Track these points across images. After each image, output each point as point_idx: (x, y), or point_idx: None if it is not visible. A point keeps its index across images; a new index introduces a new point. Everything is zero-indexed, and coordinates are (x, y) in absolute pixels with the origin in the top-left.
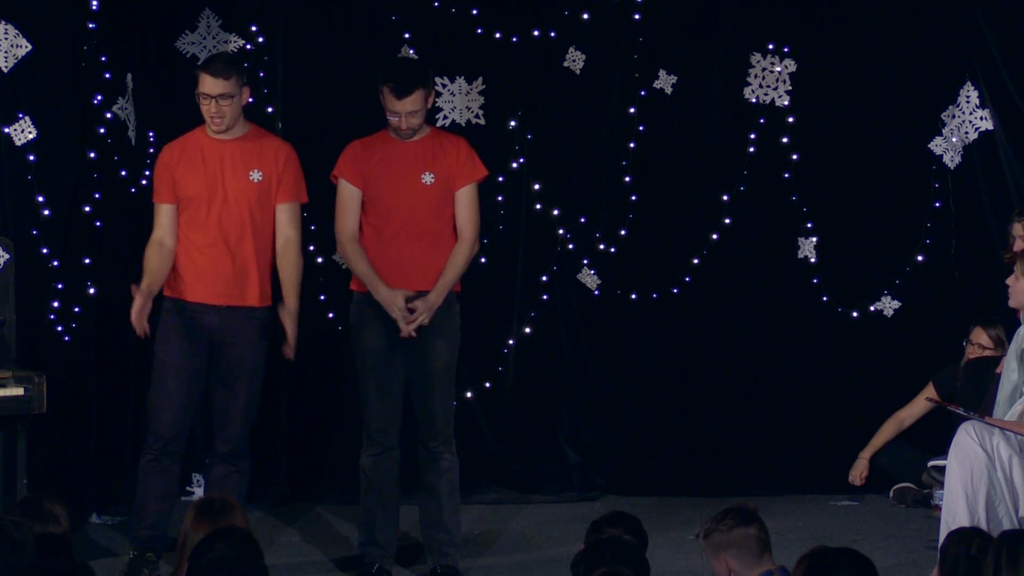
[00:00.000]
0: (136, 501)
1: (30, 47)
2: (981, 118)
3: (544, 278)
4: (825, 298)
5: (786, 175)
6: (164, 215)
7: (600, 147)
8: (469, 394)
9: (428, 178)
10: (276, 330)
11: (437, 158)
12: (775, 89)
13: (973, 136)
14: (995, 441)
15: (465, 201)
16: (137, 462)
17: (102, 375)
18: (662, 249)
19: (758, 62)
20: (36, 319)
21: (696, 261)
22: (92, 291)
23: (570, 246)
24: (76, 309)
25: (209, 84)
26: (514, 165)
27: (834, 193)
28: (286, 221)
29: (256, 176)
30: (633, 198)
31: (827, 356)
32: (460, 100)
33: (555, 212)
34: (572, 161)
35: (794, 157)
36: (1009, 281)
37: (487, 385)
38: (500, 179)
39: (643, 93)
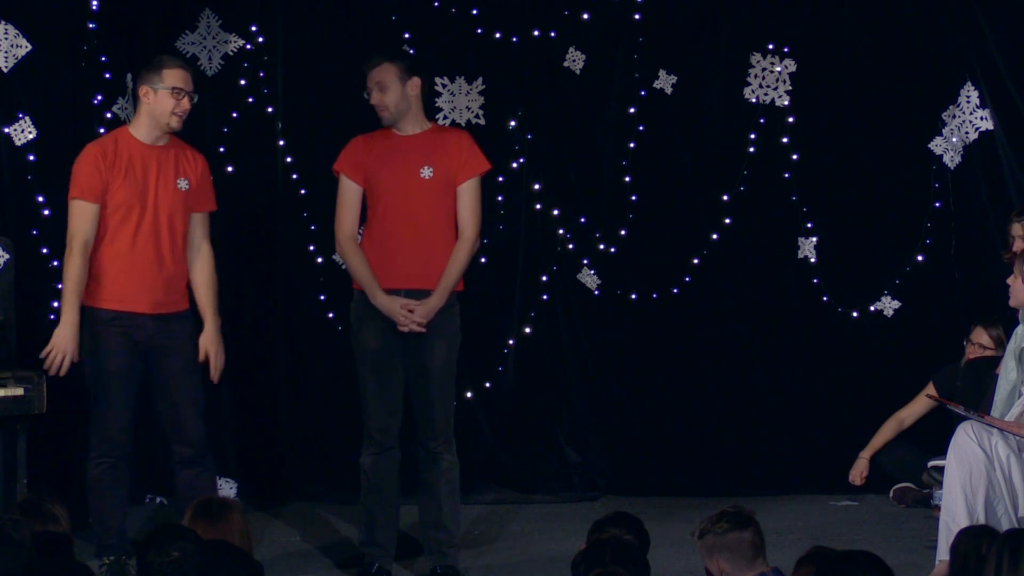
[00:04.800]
0: (96, 511)
1: (30, 47)
2: (981, 118)
3: (544, 278)
4: (825, 298)
5: (786, 175)
6: (91, 216)
7: (600, 147)
8: (469, 394)
9: (427, 172)
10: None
11: (437, 153)
12: (775, 89)
13: (973, 136)
14: (993, 441)
15: (467, 196)
16: (137, 463)
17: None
18: (662, 249)
19: (758, 62)
20: (36, 319)
21: (696, 261)
22: None
23: (570, 246)
24: None
25: (184, 78)
26: (514, 165)
27: (834, 193)
28: (202, 232)
29: (183, 184)
30: (633, 198)
31: (827, 356)
32: (460, 100)
33: (555, 212)
34: (572, 161)
35: (794, 157)
36: (1009, 280)
37: (487, 385)
38: (500, 179)
39: (643, 93)
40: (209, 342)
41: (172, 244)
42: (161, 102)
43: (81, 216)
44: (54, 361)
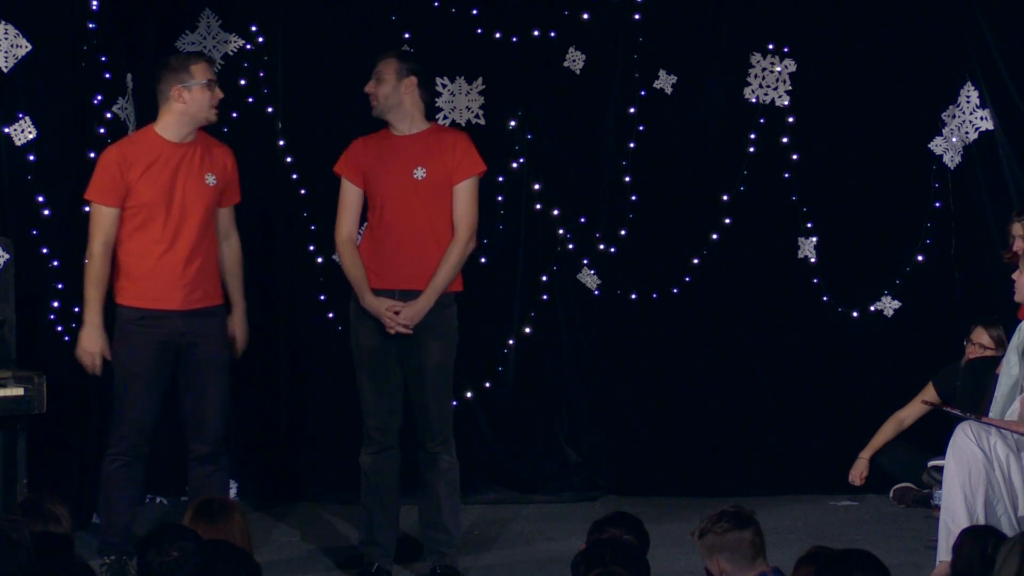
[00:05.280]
0: (104, 507)
1: (30, 47)
2: (981, 118)
3: (544, 278)
4: (825, 298)
5: (786, 175)
6: (110, 219)
7: (600, 147)
8: (469, 394)
9: (419, 173)
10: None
11: (432, 153)
12: (775, 89)
13: (973, 136)
14: (992, 441)
15: (462, 197)
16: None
17: (102, 375)
18: (662, 249)
19: (758, 62)
20: (36, 319)
21: (696, 261)
22: None
23: (570, 246)
24: (76, 309)
25: (211, 69)
26: (514, 165)
27: (834, 193)
28: (229, 223)
29: (211, 180)
30: (633, 198)
31: (827, 356)
32: (460, 100)
33: (555, 212)
34: (572, 161)
35: (794, 157)
36: (1015, 276)
37: (487, 385)
38: (500, 179)
39: (643, 93)
40: (236, 326)
41: (201, 240)
42: (197, 98)
43: (100, 218)
44: (86, 365)
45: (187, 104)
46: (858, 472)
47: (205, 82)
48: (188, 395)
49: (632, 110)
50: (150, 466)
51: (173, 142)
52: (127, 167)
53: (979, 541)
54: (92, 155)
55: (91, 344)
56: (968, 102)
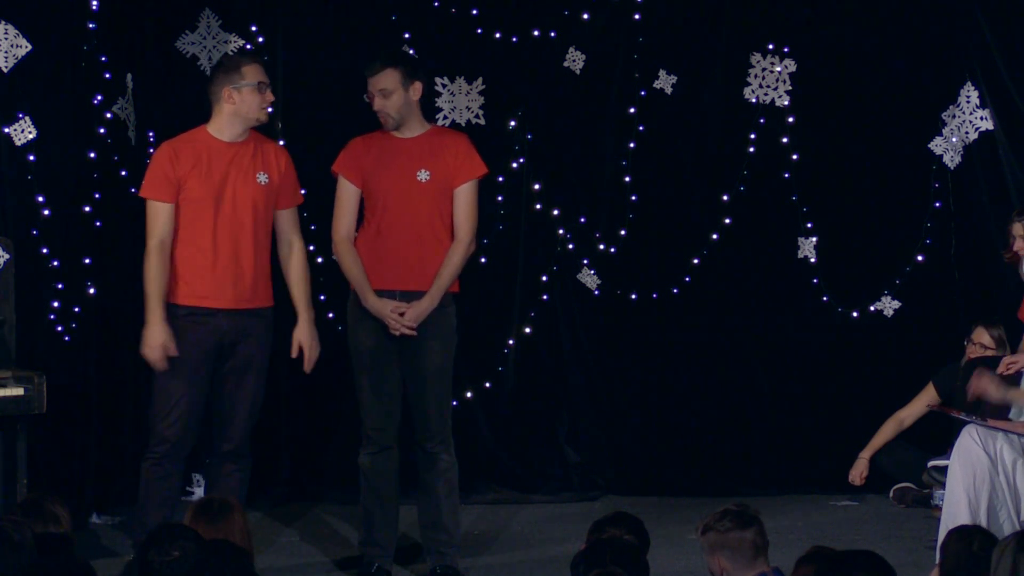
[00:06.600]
0: (138, 505)
1: (30, 47)
2: (981, 118)
3: (544, 278)
4: (825, 298)
5: (786, 175)
6: (165, 215)
7: (600, 147)
8: (469, 394)
9: (424, 175)
10: (278, 328)
11: (435, 155)
12: (775, 89)
13: (973, 136)
14: (999, 445)
15: (463, 199)
16: (137, 463)
17: (102, 375)
18: (662, 249)
19: (758, 62)
20: (36, 319)
21: (696, 261)
22: (92, 291)
23: (570, 246)
24: (76, 309)
25: (263, 71)
26: (514, 165)
27: (834, 193)
28: (291, 227)
29: (263, 179)
30: (633, 198)
31: (827, 356)
32: (460, 100)
33: (555, 212)
34: (572, 161)
35: (794, 157)
36: None
37: (487, 385)
38: (500, 179)
39: (643, 93)
40: (302, 335)
41: (254, 239)
42: (247, 100)
43: (155, 215)
44: (153, 363)
45: (237, 105)
46: (858, 472)
47: (256, 84)
48: (223, 391)
49: (632, 110)
50: None
51: (225, 142)
52: (177, 160)
53: (965, 539)
54: (92, 155)
55: (153, 339)
56: (968, 102)
